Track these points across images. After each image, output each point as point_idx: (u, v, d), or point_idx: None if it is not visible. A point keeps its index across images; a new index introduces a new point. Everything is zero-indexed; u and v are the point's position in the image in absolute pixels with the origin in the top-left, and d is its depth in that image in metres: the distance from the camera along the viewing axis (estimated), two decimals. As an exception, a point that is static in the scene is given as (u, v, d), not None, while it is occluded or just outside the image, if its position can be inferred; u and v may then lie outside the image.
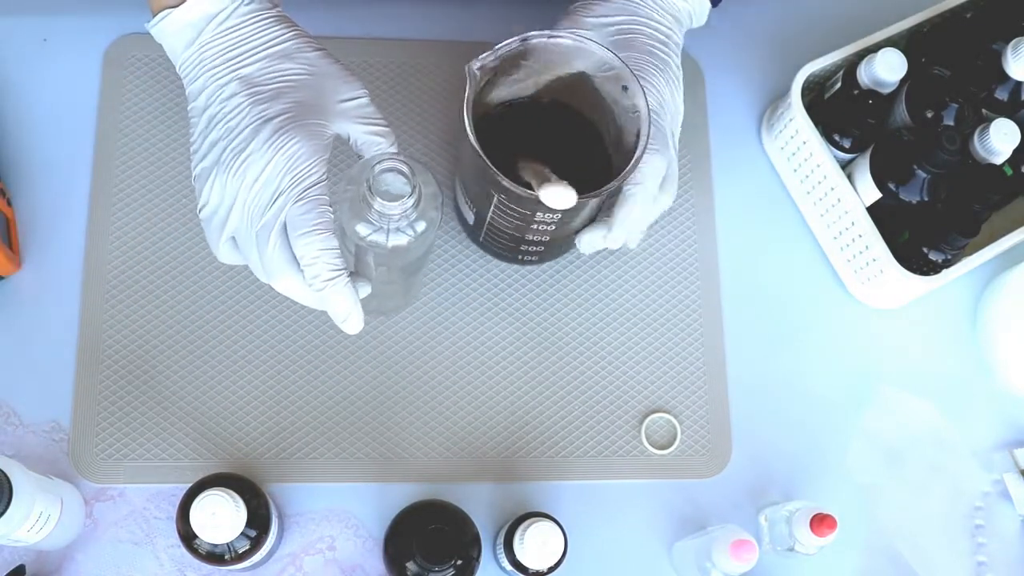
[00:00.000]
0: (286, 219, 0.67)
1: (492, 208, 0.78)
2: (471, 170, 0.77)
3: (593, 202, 0.75)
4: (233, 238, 0.70)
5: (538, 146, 0.77)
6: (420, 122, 0.92)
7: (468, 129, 0.71)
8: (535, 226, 0.78)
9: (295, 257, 0.67)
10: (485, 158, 0.71)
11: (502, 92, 0.78)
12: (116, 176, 0.88)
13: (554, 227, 0.78)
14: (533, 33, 0.74)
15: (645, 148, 0.73)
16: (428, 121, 0.92)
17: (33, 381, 0.83)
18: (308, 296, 0.68)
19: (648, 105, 0.73)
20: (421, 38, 0.94)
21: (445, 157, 0.91)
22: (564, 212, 0.74)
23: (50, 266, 0.86)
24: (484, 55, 0.72)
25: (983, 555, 0.87)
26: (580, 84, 0.78)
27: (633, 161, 0.72)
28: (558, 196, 0.70)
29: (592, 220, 0.79)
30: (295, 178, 0.67)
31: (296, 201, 0.66)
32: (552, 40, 0.75)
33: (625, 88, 0.75)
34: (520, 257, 0.85)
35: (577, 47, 0.75)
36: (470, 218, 0.83)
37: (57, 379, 0.83)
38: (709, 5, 0.82)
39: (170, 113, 0.90)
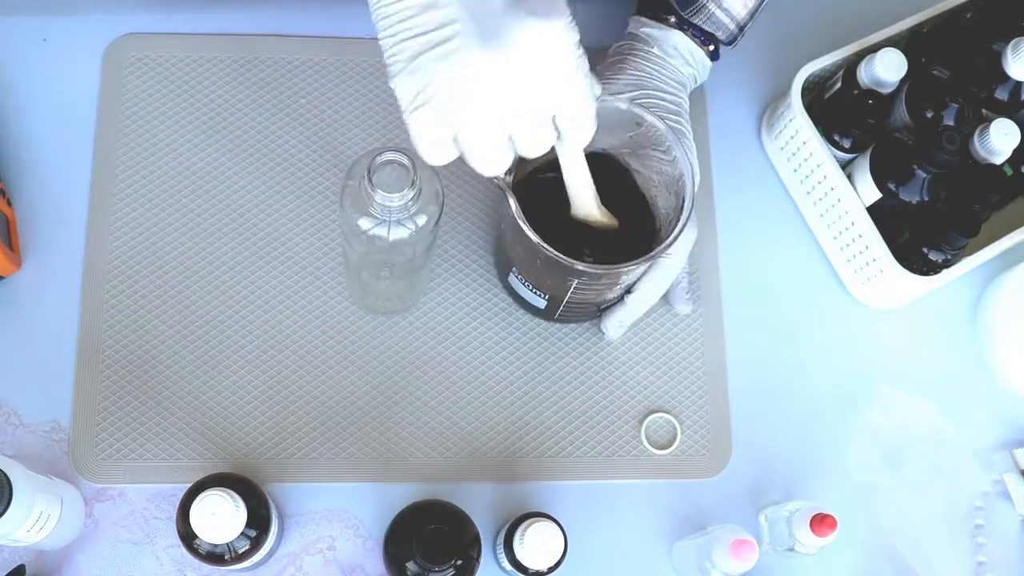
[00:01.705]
0: None
1: (570, 291, 0.78)
2: (539, 268, 0.77)
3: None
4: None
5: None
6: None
7: (534, 238, 0.71)
8: (618, 286, 0.79)
9: None
10: (569, 260, 0.71)
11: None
12: (116, 176, 0.88)
13: (636, 278, 0.79)
14: None
15: (691, 199, 0.74)
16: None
17: (33, 381, 0.83)
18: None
19: (692, 172, 0.74)
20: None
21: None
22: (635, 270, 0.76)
23: (50, 266, 0.86)
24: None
25: (983, 555, 0.87)
26: (603, 161, 0.79)
27: (679, 227, 0.73)
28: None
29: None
30: None
31: None
32: None
33: (663, 152, 0.75)
34: (599, 313, 0.85)
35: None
36: (540, 303, 0.82)
37: (57, 379, 0.83)
38: (710, 63, 0.83)
39: (170, 113, 0.90)
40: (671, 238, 0.72)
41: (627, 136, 0.77)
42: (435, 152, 0.62)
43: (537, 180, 0.80)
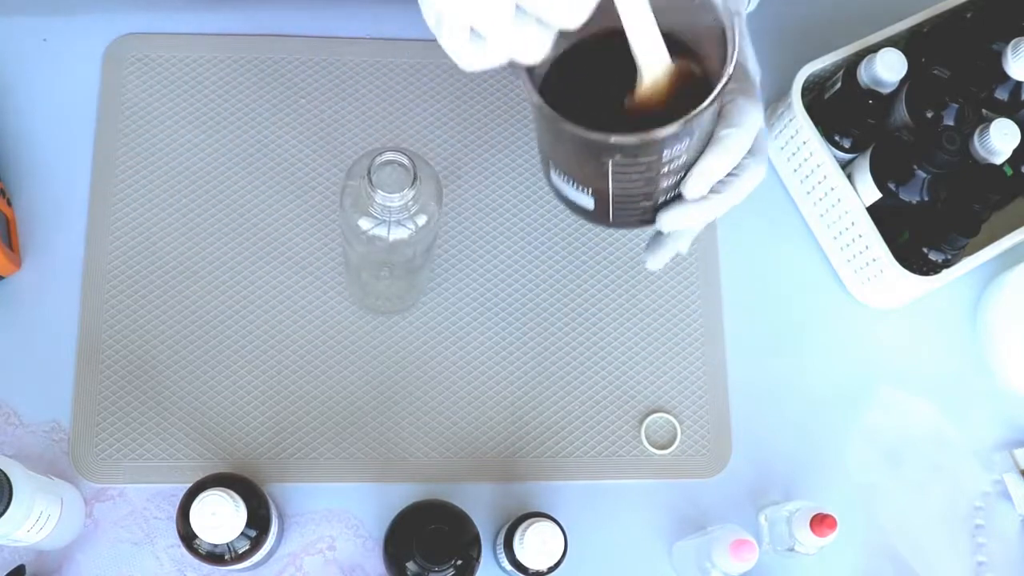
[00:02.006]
0: None
1: (611, 179, 0.67)
2: (570, 153, 0.67)
3: (709, 115, 0.64)
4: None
5: (606, 83, 0.67)
6: (423, 122, 0.92)
7: (537, 99, 0.62)
8: (665, 169, 0.67)
9: None
10: (588, 133, 0.61)
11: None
12: (116, 176, 0.88)
13: (684, 156, 0.66)
14: None
15: (736, 45, 0.62)
16: (431, 121, 0.92)
17: (33, 381, 0.83)
18: None
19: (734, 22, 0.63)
20: (423, 38, 0.94)
21: (447, 156, 0.91)
22: (686, 133, 0.63)
23: (50, 266, 0.86)
24: None
25: (983, 555, 0.87)
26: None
27: (724, 79, 0.62)
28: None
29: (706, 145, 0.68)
30: None
31: None
32: None
33: (714, 20, 0.65)
34: (658, 211, 0.72)
35: None
36: (588, 204, 0.71)
37: (57, 379, 0.83)
38: None
39: (170, 113, 0.90)
40: (713, 95, 0.62)
41: (686, 22, 0.66)
42: (459, 48, 0.57)
43: (573, 62, 0.69)
